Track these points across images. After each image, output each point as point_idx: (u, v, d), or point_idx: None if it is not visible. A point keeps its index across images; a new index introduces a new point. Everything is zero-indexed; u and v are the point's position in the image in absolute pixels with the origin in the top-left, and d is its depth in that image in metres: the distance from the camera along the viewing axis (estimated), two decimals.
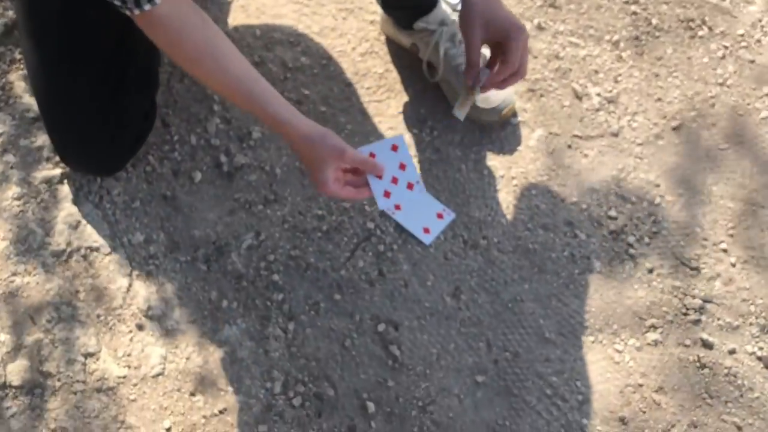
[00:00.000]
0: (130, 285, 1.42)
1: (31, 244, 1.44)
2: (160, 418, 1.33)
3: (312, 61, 1.63)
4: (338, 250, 1.45)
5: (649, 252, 1.47)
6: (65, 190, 1.49)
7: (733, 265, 1.46)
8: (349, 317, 1.40)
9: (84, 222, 1.46)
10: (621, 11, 1.70)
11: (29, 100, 1.56)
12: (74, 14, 1.33)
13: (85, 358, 1.36)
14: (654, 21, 1.69)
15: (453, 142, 1.55)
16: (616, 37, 1.67)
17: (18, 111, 1.55)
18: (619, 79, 1.63)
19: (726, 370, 1.37)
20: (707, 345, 1.39)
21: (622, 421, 1.34)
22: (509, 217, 1.49)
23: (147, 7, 1.08)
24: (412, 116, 1.58)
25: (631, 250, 1.47)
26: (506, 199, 1.51)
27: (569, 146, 1.56)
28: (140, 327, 1.39)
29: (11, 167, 1.51)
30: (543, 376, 1.37)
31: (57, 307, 1.40)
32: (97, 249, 1.44)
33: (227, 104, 1.57)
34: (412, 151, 1.54)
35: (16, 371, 1.35)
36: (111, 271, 1.43)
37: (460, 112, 1.45)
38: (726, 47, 1.66)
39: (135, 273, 1.43)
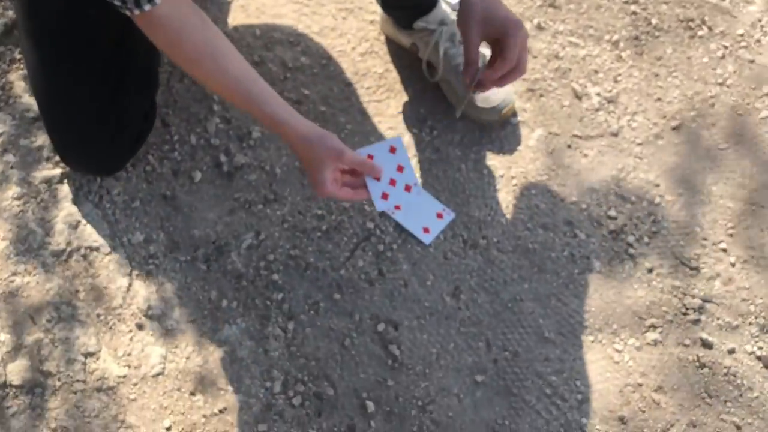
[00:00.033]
0: (129, 285, 1.42)
1: (31, 244, 1.45)
2: (160, 417, 1.33)
3: (312, 61, 1.63)
4: (338, 250, 1.46)
5: (648, 252, 1.47)
6: (65, 189, 1.49)
7: (733, 265, 1.46)
8: (349, 317, 1.40)
9: (84, 222, 1.46)
10: (621, 11, 1.70)
11: (29, 100, 1.56)
12: (74, 14, 1.33)
13: (85, 358, 1.36)
14: (654, 21, 1.69)
15: (453, 142, 1.55)
16: (615, 37, 1.67)
17: (18, 111, 1.55)
18: (619, 78, 1.63)
19: (725, 370, 1.37)
20: (707, 345, 1.39)
21: (622, 420, 1.34)
22: (509, 216, 1.49)
23: (147, 7, 1.08)
24: (411, 116, 1.58)
25: (631, 250, 1.47)
26: (506, 198, 1.51)
27: (569, 146, 1.56)
28: (140, 326, 1.39)
29: (11, 167, 1.51)
30: (542, 375, 1.37)
31: (57, 306, 1.40)
32: (96, 249, 1.44)
33: (227, 104, 1.57)
34: (412, 150, 1.54)
35: (16, 371, 1.35)
36: (111, 271, 1.43)
37: (457, 110, 1.45)
38: (726, 47, 1.66)
39: (135, 273, 1.43)
